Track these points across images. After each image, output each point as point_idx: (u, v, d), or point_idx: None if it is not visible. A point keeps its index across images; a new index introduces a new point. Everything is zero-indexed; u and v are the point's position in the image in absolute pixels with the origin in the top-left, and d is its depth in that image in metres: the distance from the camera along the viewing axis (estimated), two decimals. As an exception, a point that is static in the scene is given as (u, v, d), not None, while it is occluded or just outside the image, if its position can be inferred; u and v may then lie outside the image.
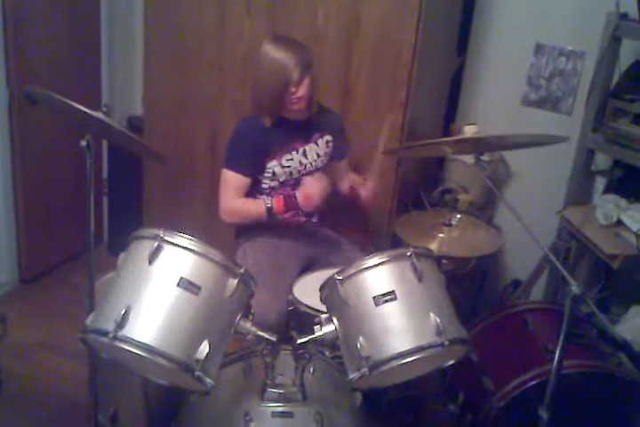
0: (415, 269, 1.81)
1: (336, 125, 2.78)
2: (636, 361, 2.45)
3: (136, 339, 1.64)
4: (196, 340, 1.69)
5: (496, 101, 3.39)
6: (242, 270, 1.80)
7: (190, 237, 1.76)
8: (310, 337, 1.89)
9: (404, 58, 2.80)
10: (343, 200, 2.81)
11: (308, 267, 2.66)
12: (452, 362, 1.91)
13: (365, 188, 2.71)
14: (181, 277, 1.71)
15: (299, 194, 2.53)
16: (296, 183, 2.66)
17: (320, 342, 1.91)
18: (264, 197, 2.65)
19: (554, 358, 1.71)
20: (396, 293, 1.78)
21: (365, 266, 1.82)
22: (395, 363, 1.72)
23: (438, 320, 1.75)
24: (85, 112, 1.79)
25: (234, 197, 2.59)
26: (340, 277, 1.83)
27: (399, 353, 1.72)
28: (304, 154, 2.65)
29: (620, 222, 2.76)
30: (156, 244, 1.74)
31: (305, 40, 2.64)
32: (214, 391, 1.76)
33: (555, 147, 2.19)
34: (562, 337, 1.69)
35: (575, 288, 1.63)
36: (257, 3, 2.96)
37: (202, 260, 1.75)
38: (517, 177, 3.39)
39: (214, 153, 3.20)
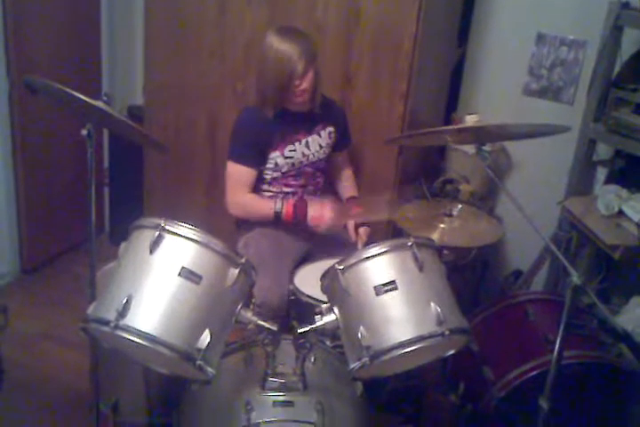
0: (416, 259, 1.82)
1: (339, 117, 2.77)
2: (637, 352, 2.45)
3: (137, 328, 1.64)
4: (198, 329, 1.70)
5: (497, 91, 3.38)
6: (243, 260, 1.80)
7: (191, 226, 1.77)
8: (311, 327, 1.89)
9: (404, 47, 2.79)
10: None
11: (308, 257, 2.66)
12: (452, 352, 1.92)
13: (365, 232, 2.68)
14: (182, 267, 1.71)
15: (310, 211, 2.54)
16: (298, 174, 2.66)
17: (321, 331, 1.91)
18: (266, 186, 2.66)
19: (554, 348, 1.71)
20: (397, 282, 1.78)
21: (366, 256, 1.83)
22: (395, 352, 1.72)
23: (439, 310, 1.75)
24: (86, 101, 1.79)
25: (242, 190, 2.59)
26: (341, 267, 1.84)
27: (400, 343, 1.73)
28: (307, 145, 2.64)
29: (621, 213, 2.75)
30: (157, 233, 1.74)
31: (305, 29, 2.63)
32: (215, 381, 1.77)
33: (556, 137, 2.19)
34: (562, 327, 1.69)
35: (576, 278, 1.63)
36: (258, -9, 2.95)
37: (203, 249, 1.75)
38: (519, 167, 3.39)
39: (215, 142, 3.19)
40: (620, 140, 2.78)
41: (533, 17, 3.19)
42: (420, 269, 1.82)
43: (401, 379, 2.44)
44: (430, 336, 1.73)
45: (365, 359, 1.74)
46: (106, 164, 3.94)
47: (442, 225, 2.49)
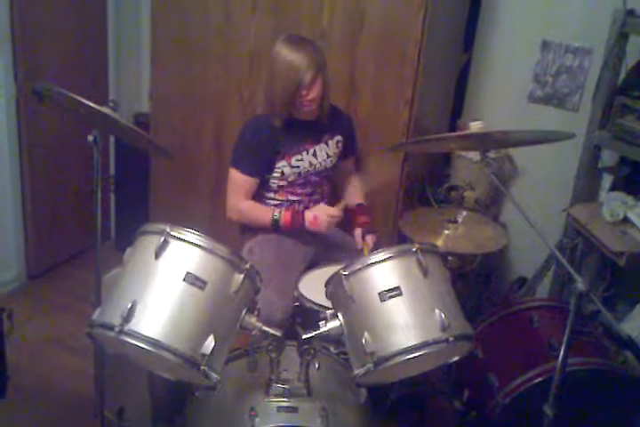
0: (420, 265, 1.82)
1: (347, 125, 2.78)
2: (642, 358, 2.45)
3: (142, 333, 1.65)
4: (202, 335, 1.70)
5: (502, 98, 3.38)
6: (248, 266, 1.80)
7: (196, 232, 1.77)
8: (315, 333, 1.89)
9: (410, 54, 2.79)
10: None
11: (313, 263, 2.66)
12: (456, 358, 1.92)
13: (372, 239, 2.67)
14: (187, 272, 1.72)
15: (307, 215, 2.55)
16: (305, 183, 2.67)
17: (325, 337, 1.91)
18: (272, 194, 2.66)
19: (559, 355, 1.71)
20: (402, 288, 1.78)
21: (371, 262, 1.83)
22: (399, 359, 1.72)
23: (443, 316, 1.75)
24: (92, 107, 1.79)
25: (242, 197, 2.60)
26: (346, 273, 1.84)
27: (404, 349, 1.73)
28: (314, 154, 2.65)
29: (626, 220, 2.75)
30: (162, 239, 1.75)
31: (310, 37, 2.64)
32: (220, 386, 1.77)
33: (561, 144, 2.19)
34: (567, 334, 1.69)
35: (581, 285, 1.63)
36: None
37: (208, 255, 1.76)
38: (524, 174, 3.39)
39: (221, 150, 3.20)
40: (625, 146, 2.77)
41: (539, 24, 3.19)
42: (425, 275, 1.82)
43: (405, 385, 2.44)
44: (434, 342, 1.73)
45: (369, 365, 1.74)
46: (112, 170, 3.95)
47: (446, 232, 2.49)
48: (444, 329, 1.74)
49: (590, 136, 2.91)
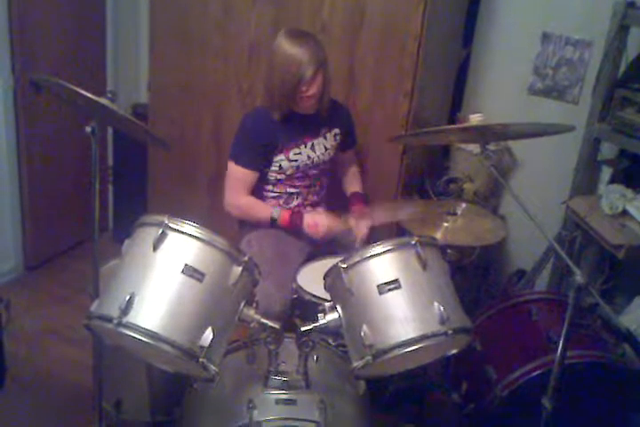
0: (419, 258, 1.81)
1: (345, 119, 2.77)
2: (640, 351, 2.45)
3: (140, 325, 1.65)
4: (200, 327, 1.70)
5: (502, 91, 3.38)
6: (246, 258, 1.80)
7: (195, 224, 1.77)
8: (314, 325, 1.89)
9: (409, 47, 2.79)
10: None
11: (311, 256, 2.66)
12: (455, 351, 1.92)
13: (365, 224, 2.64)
14: (186, 264, 1.71)
15: (306, 218, 2.55)
16: (303, 176, 2.67)
17: (324, 330, 1.91)
18: (270, 186, 2.66)
19: (557, 348, 1.71)
20: (400, 281, 1.78)
21: (370, 254, 1.83)
22: (398, 351, 1.72)
23: (442, 309, 1.75)
24: (90, 98, 1.78)
25: (241, 192, 2.60)
26: (345, 266, 1.83)
27: (402, 342, 1.72)
28: (312, 148, 2.64)
29: (625, 212, 2.75)
30: (160, 230, 1.74)
31: (310, 29, 2.63)
32: (218, 379, 1.77)
33: (561, 136, 2.18)
34: (565, 327, 1.69)
35: (580, 278, 1.62)
36: (263, -10, 2.95)
37: (206, 247, 1.76)
38: (523, 166, 3.38)
39: (219, 141, 3.20)
40: (624, 139, 2.77)
41: (539, 16, 3.18)
42: (424, 267, 1.81)
43: (404, 378, 2.44)
44: (433, 335, 1.73)
45: (368, 358, 1.74)
46: (110, 162, 3.94)
47: (445, 224, 2.48)
48: (442, 322, 1.73)
49: (590, 129, 2.91)
